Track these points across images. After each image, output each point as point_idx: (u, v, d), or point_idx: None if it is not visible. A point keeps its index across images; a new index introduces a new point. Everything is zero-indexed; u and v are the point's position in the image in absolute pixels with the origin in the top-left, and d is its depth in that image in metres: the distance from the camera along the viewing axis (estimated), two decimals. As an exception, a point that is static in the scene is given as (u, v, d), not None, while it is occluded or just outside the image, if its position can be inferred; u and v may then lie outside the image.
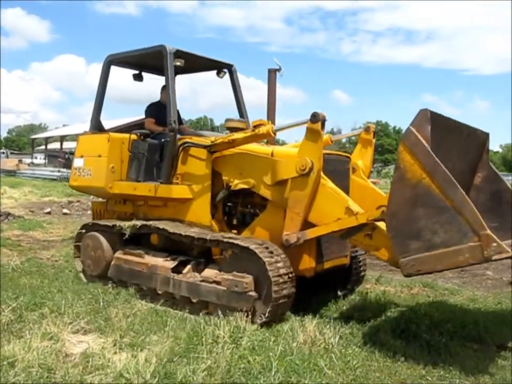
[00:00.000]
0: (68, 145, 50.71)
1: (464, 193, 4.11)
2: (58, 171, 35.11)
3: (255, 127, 5.61)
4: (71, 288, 6.23)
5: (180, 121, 7.18)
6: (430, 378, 4.12)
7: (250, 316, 5.02)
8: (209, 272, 5.56)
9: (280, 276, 5.05)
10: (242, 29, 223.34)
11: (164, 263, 5.91)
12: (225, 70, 7.57)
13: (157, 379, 3.69)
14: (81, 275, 6.78)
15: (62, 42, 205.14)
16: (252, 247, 5.14)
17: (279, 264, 5.11)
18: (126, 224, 6.16)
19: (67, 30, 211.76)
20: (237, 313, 5.00)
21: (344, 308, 6.11)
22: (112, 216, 7.14)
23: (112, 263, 6.38)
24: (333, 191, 5.36)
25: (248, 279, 5.16)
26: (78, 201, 17.30)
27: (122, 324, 4.95)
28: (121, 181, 6.71)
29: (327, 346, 4.59)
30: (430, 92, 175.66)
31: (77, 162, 7.13)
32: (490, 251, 3.97)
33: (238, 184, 5.89)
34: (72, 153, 46.45)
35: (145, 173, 6.59)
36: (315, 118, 5.22)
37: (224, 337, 4.45)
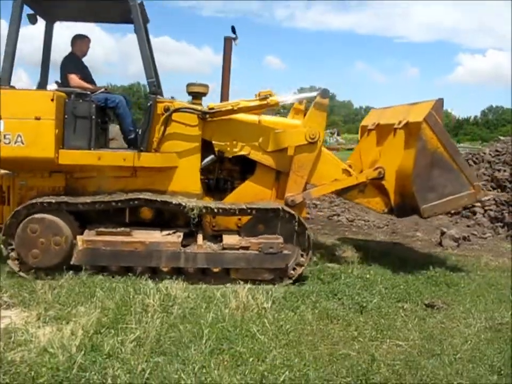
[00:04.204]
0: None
1: (464, 159, 5.83)
2: None
3: (264, 97, 5.89)
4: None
5: (91, 79, 6.53)
6: (361, 340, 4.15)
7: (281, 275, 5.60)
8: (231, 240, 5.59)
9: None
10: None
11: (167, 238, 5.56)
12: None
13: (83, 352, 3.50)
14: (13, 265, 5.57)
15: None
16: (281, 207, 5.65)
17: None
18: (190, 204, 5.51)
19: None
20: (167, 281, 5.05)
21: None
22: (28, 193, 5.84)
23: (80, 248, 5.46)
24: (330, 156, 6.33)
25: (281, 239, 5.56)
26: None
27: (48, 296, 4.72)
28: (70, 149, 5.62)
29: (259, 312, 4.56)
30: (362, 59, 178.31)
31: None
32: (480, 195, 6.39)
33: (235, 151, 6.02)
34: None
35: (97, 139, 5.81)
36: (325, 94, 6.04)
37: (154, 306, 4.34)
